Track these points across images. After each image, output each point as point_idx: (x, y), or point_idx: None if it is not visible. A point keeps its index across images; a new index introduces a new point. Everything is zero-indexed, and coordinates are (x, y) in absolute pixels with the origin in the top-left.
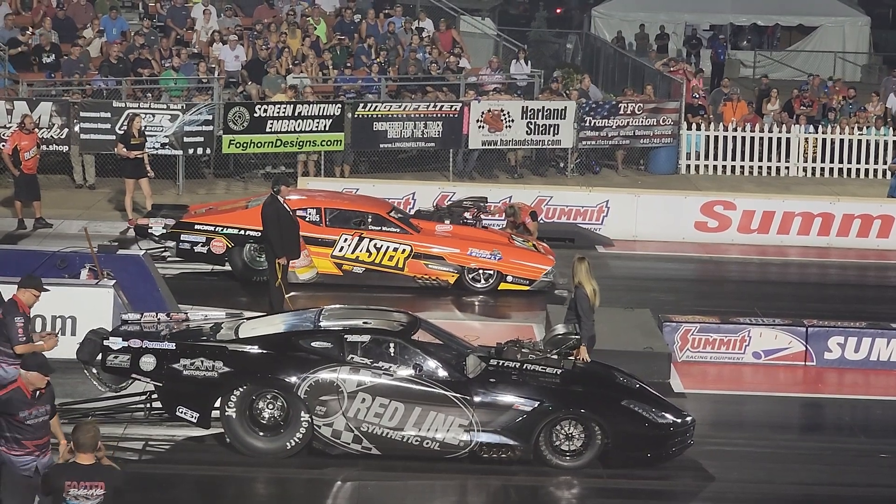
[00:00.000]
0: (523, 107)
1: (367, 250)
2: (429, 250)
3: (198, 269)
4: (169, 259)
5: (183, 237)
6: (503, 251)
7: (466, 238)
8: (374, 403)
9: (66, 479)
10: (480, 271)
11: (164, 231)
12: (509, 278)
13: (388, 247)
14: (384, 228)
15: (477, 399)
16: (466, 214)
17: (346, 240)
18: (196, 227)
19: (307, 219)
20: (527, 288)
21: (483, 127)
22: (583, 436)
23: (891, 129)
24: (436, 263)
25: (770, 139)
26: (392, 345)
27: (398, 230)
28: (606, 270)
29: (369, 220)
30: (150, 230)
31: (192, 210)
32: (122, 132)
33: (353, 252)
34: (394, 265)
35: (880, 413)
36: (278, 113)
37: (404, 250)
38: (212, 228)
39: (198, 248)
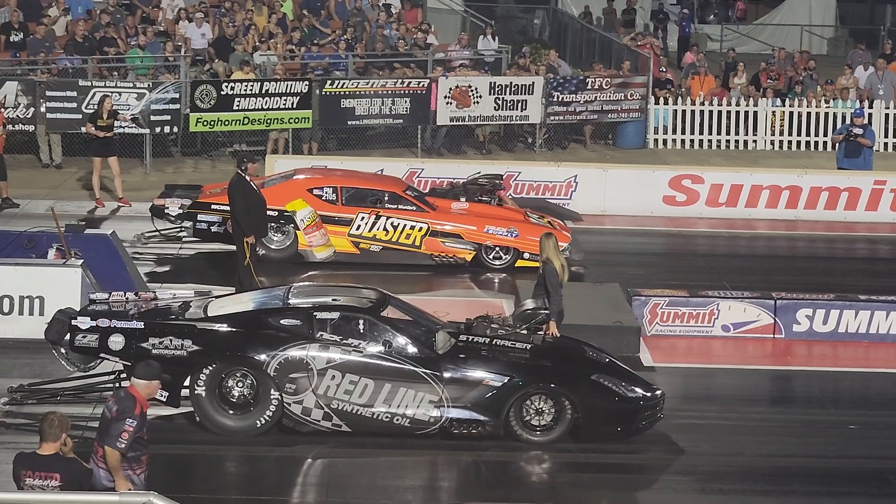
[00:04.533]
0: (491, 82)
1: (384, 228)
2: (445, 228)
3: (169, 249)
4: (184, 239)
5: (199, 217)
6: (519, 228)
7: (482, 215)
8: (344, 380)
9: (22, 468)
10: (498, 248)
11: (181, 211)
12: (526, 255)
13: (404, 225)
14: (401, 206)
15: (447, 375)
16: (484, 196)
17: (362, 218)
18: (213, 207)
19: (324, 197)
20: None
21: (451, 103)
22: (553, 410)
23: (857, 101)
24: (452, 241)
25: (737, 113)
26: (361, 321)
27: (415, 208)
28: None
29: (385, 198)
30: (166, 210)
31: (206, 190)
32: (91, 111)
33: (370, 230)
34: (411, 243)
35: (849, 384)
36: (245, 91)
37: (421, 228)
38: (228, 208)
39: (214, 229)
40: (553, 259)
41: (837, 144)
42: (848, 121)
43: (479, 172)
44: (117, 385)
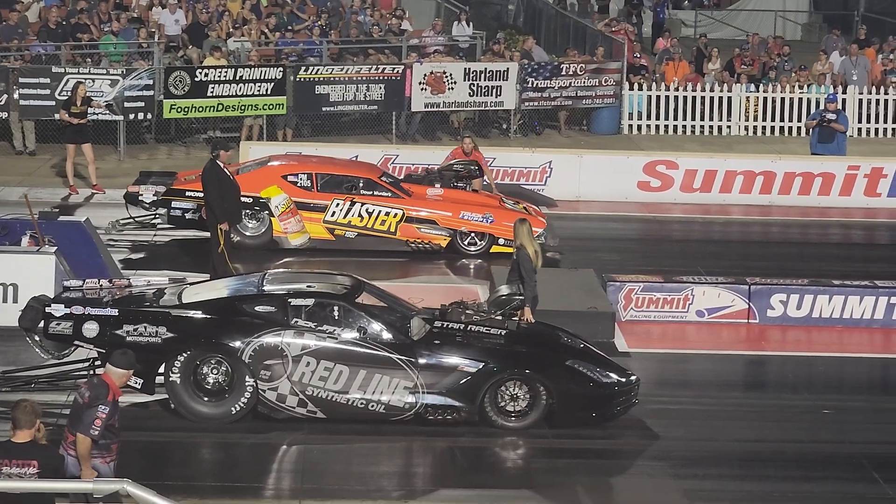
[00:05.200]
0: (465, 69)
1: (359, 215)
2: (420, 214)
3: (143, 236)
4: (159, 226)
5: (174, 204)
6: (495, 214)
7: (458, 201)
8: (319, 367)
9: None
10: (473, 234)
11: (155, 198)
12: (501, 241)
13: (379, 211)
14: (376, 193)
15: (422, 361)
16: (459, 182)
17: (337, 205)
18: (187, 193)
19: (298, 184)
20: None
21: (425, 89)
22: (528, 396)
23: (831, 86)
24: (428, 227)
25: (712, 98)
26: (336, 308)
27: (390, 194)
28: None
29: (360, 184)
30: (140, 197)
31: (180, 177)
32: (65, 98)
33: (344, 217)
34: (386, 229)
35: (823, 369)
36: (219, 77)
37: (396, 214)
38: (202, 195)
39: (189, 215)
40: (527, 245)
41: (811, 130)
42: (821, 106)
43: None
44: (91, 372)
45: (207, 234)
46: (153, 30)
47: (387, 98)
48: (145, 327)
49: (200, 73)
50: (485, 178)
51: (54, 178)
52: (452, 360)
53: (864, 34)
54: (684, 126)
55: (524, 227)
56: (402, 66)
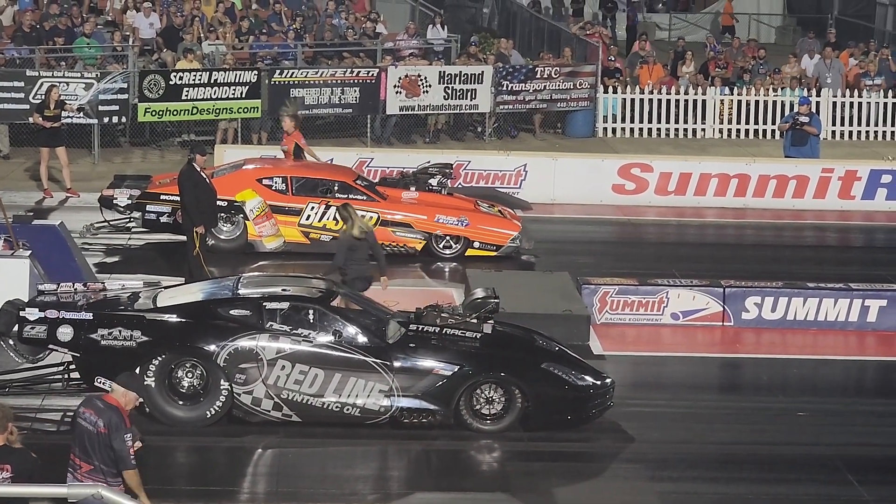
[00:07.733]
0: (440, 72)
1: (335, 218)
2: (395, 217)
3: (118, 239)
4: (134, 230)
5: (148, 208)
6: (470, 217)
7: (433, 205)
8: (294, 370)
9: None
10: (448, 238)
11: (130, 202)
12: (476, 244)
13: None
14: (351, 196)
15: (397, 364)
16: (432, 181)
17: (312, 208)
18: (162, 197)
19: (273, 187)
20: (494, 253)
21: (400, 92)
22: (503, 399)
23: (805, 89)
24: (403, 230)
25: (686, 101)
26: (311, 311)
27: (365, 198)
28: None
29: (335, 187)
30: (114, 201)
31: (155, 180)
32: (38, 102)
33: (319, 220)
34: None
35: (797, 372)
36: (194, 80)
37: (371, 218)
38: (177, 199)
39: (164, 219)
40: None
41: (784, 133)
42: (795, 109)
43: (428, 161)
44: (66, 376)
45: (182, 238)
46: (127, 33)
47: (362, 101)
48: (120, 331)
49: (175, 76)
50: (305, 154)
51: (28, 182)
52: (428, 363)
53: (835, 37)
54: (659, 129)
55: (349, 210)
56: (377, 70)
